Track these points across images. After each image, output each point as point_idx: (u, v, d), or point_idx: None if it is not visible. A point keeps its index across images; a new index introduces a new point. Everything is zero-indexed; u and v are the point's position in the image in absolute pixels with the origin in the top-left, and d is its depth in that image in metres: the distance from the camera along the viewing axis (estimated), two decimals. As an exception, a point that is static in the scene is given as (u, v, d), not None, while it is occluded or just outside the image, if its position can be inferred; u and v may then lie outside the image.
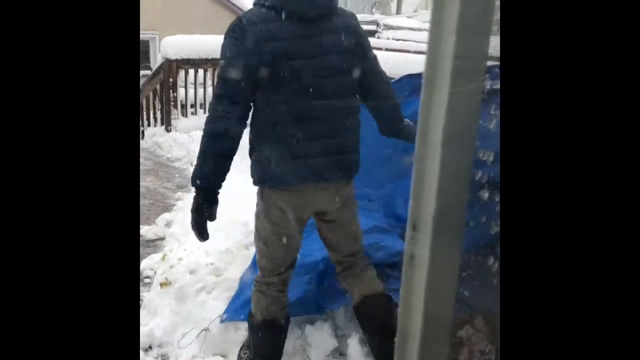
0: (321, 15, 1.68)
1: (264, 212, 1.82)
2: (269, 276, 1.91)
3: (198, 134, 1.85)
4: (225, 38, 1.68)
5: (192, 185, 1.73)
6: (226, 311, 2.30)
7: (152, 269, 2.91)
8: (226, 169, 1.70)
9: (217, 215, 1.75)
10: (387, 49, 6.69)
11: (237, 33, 1.65)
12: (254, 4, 1.71)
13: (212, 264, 2.75)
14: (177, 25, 8.17)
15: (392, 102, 1.92)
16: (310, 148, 1.70)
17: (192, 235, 3.11)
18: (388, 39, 10.37)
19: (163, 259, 2.94)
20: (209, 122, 1.67)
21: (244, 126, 1.71)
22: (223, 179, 1.71)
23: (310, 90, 1.67)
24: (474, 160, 0.51)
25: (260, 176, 1.76)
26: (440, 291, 0.53)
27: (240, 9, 11.36)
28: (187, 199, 3.77)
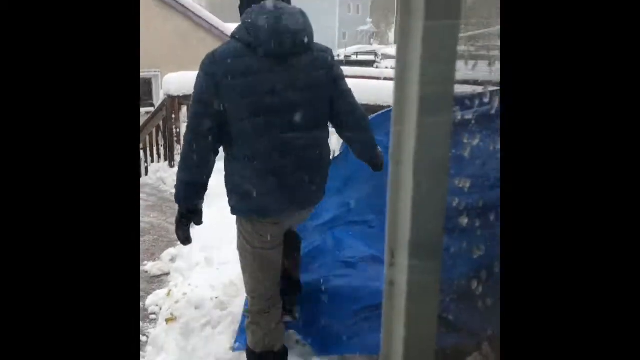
0: (294, 51, 1.69)
1: (249, 241, 1.86)
2: (266, 300, 1.92)
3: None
4: (199, 71, 1.70)
5: (175, 202, 1.82)
6: (237, 340, 2.29)
7: (157, 305, 2.91)
8: (202, 192, 1.79)
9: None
10: (385, 78, 6.76)
11: (209, 67, 1.67)
12: (231, 37, 1.73)
13: (217, 297, 2.74)
14: (179, 63, 8.30)
15: (365, 133, 1.94)
16: (289, 179, 1.74)
17: (197, 269, 3.08)
18: (386, 67, 10.51)
19: (168, 294, 2.93)
20: (182, 153, 1.75)
21: (217, 153, 1.77)
22: (201, 198, 1.80)
23: (283, 124, 1.69)
24: (452, 189, 0.52)
25: (238, 207, 1.82)
26: (421, 316, 0.53)
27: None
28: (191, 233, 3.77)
